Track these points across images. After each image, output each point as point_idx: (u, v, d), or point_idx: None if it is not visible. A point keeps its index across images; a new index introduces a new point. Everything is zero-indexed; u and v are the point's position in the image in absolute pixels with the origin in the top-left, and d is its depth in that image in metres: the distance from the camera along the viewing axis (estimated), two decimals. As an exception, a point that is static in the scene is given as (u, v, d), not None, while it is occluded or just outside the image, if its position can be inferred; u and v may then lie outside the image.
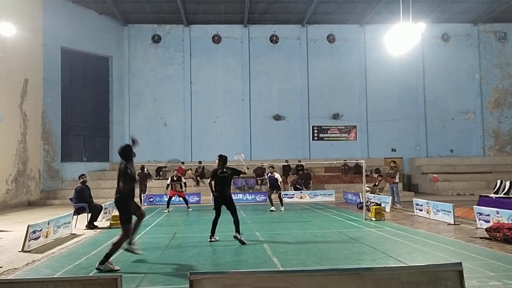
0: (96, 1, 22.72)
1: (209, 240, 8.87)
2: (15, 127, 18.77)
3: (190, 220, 13.32)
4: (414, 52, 22.71)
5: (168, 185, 16.20)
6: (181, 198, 16.52)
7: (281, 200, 15.61)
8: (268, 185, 16.04)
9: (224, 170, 8.79)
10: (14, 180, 18.50)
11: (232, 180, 9.07)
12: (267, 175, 16.19)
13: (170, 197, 16.14)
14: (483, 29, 26.43)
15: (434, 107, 26.05)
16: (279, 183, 15.65)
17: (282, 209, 15.25)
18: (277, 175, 15.60)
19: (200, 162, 23.02)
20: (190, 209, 16.02)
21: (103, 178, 22.87)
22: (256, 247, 8.17)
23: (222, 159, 8.92)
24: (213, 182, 8.91)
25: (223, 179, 8.75)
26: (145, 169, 19.46)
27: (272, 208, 15.27)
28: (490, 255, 7.09)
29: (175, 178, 16.12)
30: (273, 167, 16.12)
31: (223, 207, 8.84)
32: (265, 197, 16.55)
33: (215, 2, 23.56)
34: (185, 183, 16.71)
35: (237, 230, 8.53)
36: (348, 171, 23.87)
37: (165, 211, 15.71)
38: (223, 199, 8.78)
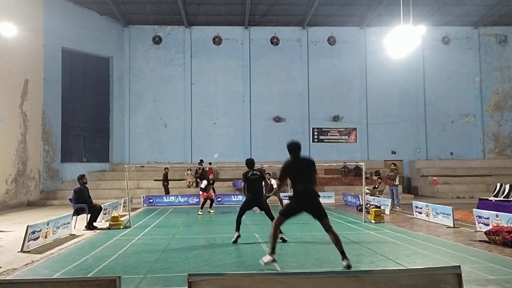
0: (97, 2, 22.75)
1: (233, 240, 8.83)
2: (15, 127, 18.77)
3: (190, 221, 13.31)
4: (414, 54, 22.75)
5: (204, 188, 15.42)
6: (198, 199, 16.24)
7: (281, 201, 15.67)
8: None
9: (254, 172, 8.99)
10: (14, 180, 18.49)
11: (262, 182, 9.27)
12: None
13: (205, 200, 15.47)
14: (484, 32, 26.46)
15: (434, 109, 26.06)
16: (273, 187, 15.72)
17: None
18: (273, 181, 15.63)
19: (200, 163, 23.00)
20: (213, 211, 15.53)
21: (103, 179, 22.89)
22: (255, 249, 8.17)
23: (248, 162, 9.16)
24: (245, 185, 9.08)
25: (254, 181, 8.93)
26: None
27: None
28: (489, 258, 7.08)
29: (211, 182, 15.72)
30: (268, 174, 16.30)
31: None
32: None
33: (216, 4, 23.60)
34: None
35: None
36: (348, 173, 23.88)
37: (200, 212, 15.07)
38: (255, 201, 9.01)
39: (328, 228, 6.42)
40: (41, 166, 21.12)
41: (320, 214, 6.45)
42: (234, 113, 25.58)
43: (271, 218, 8.61)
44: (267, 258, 6.39)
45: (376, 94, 25.80)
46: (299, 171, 6.39)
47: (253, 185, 8.91)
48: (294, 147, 6.51)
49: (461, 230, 10.36)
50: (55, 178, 21.84)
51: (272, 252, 6.42)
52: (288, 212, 6.57)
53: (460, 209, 14.20)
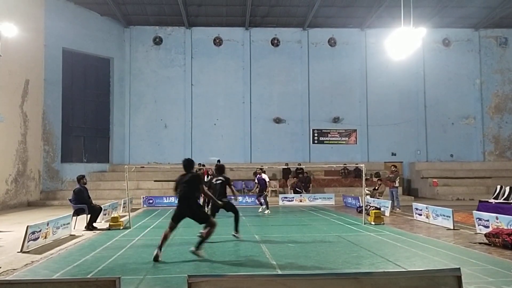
0: (98, 3, 22.77)
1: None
2: (16, 128, 18.78)
3: (190, 222, 13.25)
4: (414, 56, 22.74)
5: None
6: None
7: (266, 203, 15.53)
8: (258, 188, 15.99)
9: (220, 177, 9.64)
10: (14, 180, 18.49)
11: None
12: (256, 176, 16.30)
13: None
14: (484, 34, 26.47)
15: (435, 111, 26.06)
16: (266, 184, 15.70)
17: (266, 212, 15.14)
18: (264, 176, 15.67)
19: (199, 164, 22.99)
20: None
21: (103, 179, 22.88)
22: (255, 250, 8.17)
23: (217, 166, 9.82)
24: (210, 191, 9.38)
25: (216, 186, 9.55)
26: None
27: (267, 211, 15.21)
28: (489, 260, 7.08)
29: None
30: (262, 169, 16.23)
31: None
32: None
33: (217, 5, 23.62)
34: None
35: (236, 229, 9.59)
36: (348, 175, 23.86)
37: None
38: (224, 205, 9.42)
39: (210, 225, 7.71)
40: (41, 167, 21.12)
41: (200, 219, 7.82)
42: (234, 114, 25.58)
43: (236, 217, 9.52)
44: (155, 252, 7.36)
45: (376, 95, 25.80)
46: (183, 183, 7.55)
47: (215, 190, 9.56)
48: (184, 165, 7.71)
49: (461, 232, 10.36)
50: (55, 178, 21.83)
51: (159, 249, 7.42)
52: (174, 217, 7.75)
53: (460, 211, 14.19)
